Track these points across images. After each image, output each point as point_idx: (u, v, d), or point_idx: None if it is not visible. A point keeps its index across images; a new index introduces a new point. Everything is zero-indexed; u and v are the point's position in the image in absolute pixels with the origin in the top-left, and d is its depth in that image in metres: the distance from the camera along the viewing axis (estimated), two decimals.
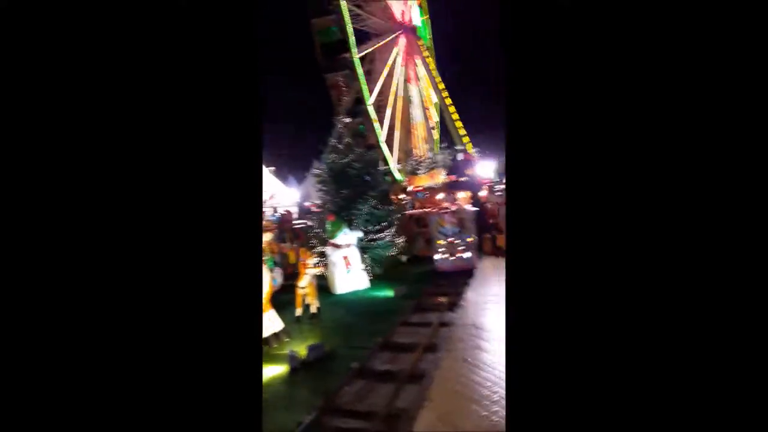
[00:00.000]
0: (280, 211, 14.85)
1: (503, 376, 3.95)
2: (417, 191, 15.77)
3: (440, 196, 13.09)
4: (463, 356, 4.52)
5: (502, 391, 3.63)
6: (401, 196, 15.17)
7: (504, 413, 2.95)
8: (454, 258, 9.55)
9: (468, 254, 9.64)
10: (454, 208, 10.70)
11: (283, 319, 5.97)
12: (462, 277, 8.71)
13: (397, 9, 23.26)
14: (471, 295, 7.16)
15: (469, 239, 10.05)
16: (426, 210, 13.01)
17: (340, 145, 10.78)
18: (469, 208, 11.06)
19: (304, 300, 6.88)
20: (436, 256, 9.78)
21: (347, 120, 11.52)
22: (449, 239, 9.81)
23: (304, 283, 6.82)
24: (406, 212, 13.08)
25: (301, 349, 4.92)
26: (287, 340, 5.69)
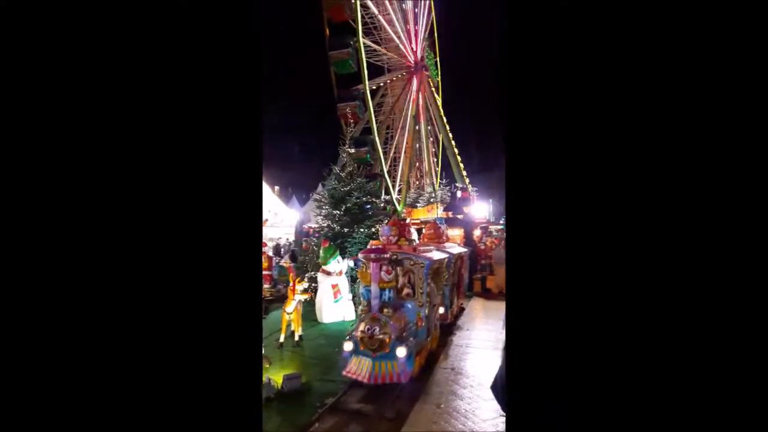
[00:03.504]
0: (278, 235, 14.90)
1: (474, 426, 3.97)
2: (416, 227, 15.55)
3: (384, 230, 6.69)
4: (437, 401, 4.54)
5: None
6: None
7: None
8: (374, 357, 4.63)
9: (403, 351, 4.56)
10: (397, 250, 5.73)
11: (266, 344, 5.99)
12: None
13: (410, 48, 24.37)
14: (455, 339, 7.19)
15: (416, 313, 5.24)
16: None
17: (342, 174, 11.10)
18: (440, 251, 6.90)
19: (289, 326, 6.90)
20: (347, 346, 4.85)
21: (351, 150, 11.86)
22: (373, 312, 4.76)
23: (291, 309, 6.85)
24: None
25: (278, 378, 4.93)
26: (267, 366, 5.69)
